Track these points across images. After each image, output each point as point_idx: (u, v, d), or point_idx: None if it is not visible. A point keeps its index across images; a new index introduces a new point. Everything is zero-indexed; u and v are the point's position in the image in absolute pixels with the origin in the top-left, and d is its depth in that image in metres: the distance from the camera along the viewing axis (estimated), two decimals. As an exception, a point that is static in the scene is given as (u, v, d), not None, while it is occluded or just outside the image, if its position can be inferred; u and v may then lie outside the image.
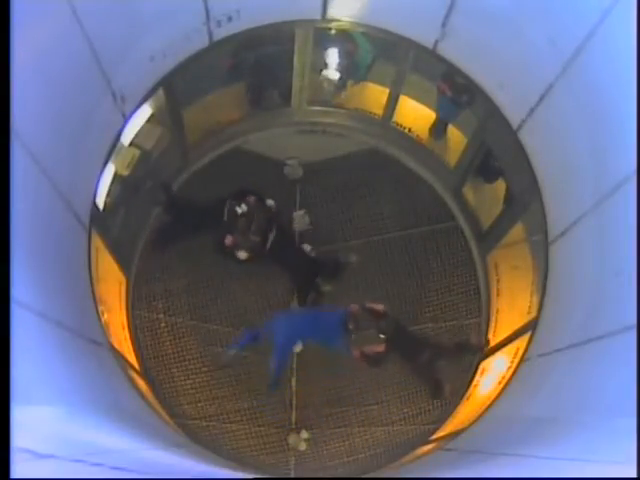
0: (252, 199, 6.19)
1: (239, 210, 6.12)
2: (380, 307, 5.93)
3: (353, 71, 6.84)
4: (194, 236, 6.65)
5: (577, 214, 4.35)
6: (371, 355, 5.92)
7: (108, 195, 5.33)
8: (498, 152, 5.96)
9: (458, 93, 6.00)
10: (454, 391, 6.31)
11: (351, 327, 5.77)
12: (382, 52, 6.29)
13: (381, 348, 5.93)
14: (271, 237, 6.19)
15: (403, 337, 6.14)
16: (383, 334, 5.79)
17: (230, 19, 5.05)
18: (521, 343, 5.30)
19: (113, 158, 5.14)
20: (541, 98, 4.49)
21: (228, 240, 6.10)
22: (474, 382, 6.33)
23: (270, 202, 6.34)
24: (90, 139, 4.56)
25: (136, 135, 5.54)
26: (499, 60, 4.80)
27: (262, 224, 6.18)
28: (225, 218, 6.13)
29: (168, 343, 6.55)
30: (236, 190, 6.30)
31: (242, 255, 6.15)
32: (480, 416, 5.29)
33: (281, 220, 6.49)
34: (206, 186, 6.81)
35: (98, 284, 4.91)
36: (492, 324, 6.45)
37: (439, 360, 6.18)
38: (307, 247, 6.70)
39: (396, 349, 6.12)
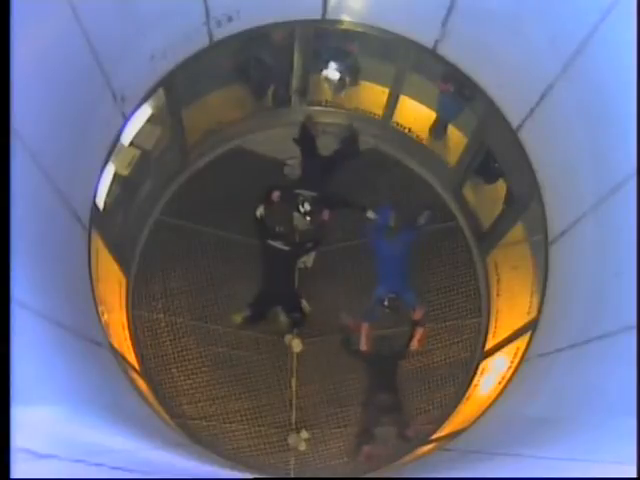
0: (318, 212, 6.44)
1: (274, 198, 6.39)
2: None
3: (353, 71, 6.84)
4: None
5: (577, 214, 4.35)
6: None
7: (108, 195, 5.33)
8: (498, 152, 5.96)
9: (461, 87, 5.99)
10: (371, 454, 6.21)
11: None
12: (382, 52, 6.28)
13: (367, 346, 6.25)
14: (278, 244, 6.22)
15: (389, 364, 6.23)
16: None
17: (230, 19, 5.06)
18: (521, 343, 5.30)
19: (113, 158, 5.14)
20: (541, 98, 4.49)
21: (275, 196, 6.35)
22: (474, 382, 6.33)
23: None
24: (90, 139, 4.56)
25: (136, 135, 5.54)
26: (499, 60, 4.80)
27: (288, 227, 6.45)
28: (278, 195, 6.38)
29: (168, 343, 6.54)
30: (329, 195, 6.50)
31: (259, 211, 6.29)
32: (480, 416, 5.29)
33: (297, 254, 6.50)
34: (206, 186, 6.81)
35: (98, 284, 4.91)
36: (492, 324, 6.45)
37: (387, 417, 6.14)
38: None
39: (375, 368, 6.26)
